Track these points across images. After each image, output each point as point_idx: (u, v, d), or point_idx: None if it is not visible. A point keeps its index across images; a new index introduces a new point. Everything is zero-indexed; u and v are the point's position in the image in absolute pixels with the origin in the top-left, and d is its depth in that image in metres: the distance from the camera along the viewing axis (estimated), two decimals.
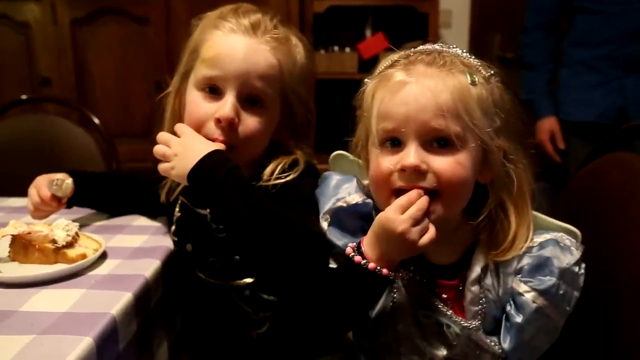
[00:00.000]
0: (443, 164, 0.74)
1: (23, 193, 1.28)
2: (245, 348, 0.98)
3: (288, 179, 0.90)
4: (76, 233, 0.89)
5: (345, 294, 0.77)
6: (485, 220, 0.80)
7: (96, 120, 1.74)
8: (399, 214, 0.72)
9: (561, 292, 0.78)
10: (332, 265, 0.84)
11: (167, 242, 1.00)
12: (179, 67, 0.96)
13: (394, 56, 0.82)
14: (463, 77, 0.75)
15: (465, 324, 0.80)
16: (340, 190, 0.85)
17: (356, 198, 0.83)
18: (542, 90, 2.00)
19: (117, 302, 0.74)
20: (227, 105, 0.87)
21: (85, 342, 0.63)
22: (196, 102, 0.90)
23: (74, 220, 0.92)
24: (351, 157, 0.93)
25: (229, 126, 0.87)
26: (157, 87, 2.40)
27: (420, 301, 0.81)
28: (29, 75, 2.44)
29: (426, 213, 0.73)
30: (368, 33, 2.59)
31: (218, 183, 0.81)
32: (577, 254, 0.79)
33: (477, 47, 2.70)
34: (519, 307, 0.79)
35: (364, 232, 0.79)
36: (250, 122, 0.89)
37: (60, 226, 0.88)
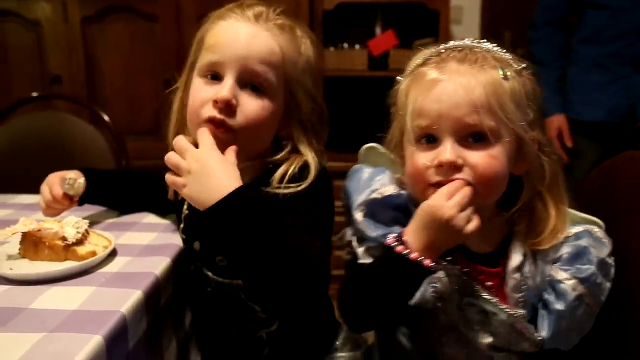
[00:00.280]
0: (478, 158, 0.75)
1: (34, 190, 1.29)
2: (255, 348, 0.97)
3: (299, 189, 0.87)
4: (86, 230, 0.89)
5: (383, 287, 0.77)
6: (519, 212, 0.82)
7: (106, 118, 1.74)
8: (445, 201, 0.73)
9: (598, 281, 0.80)
10: (366, 260, 0.84)
11: (177, 240, 0.99)
12: (187, 62, 0.96)
13: (426, 53, 0.84)
14: (495, 73, 0.77)
15: (512, 312, 0.81)
16: (374, 182, 0.86)
17: (390, 190, 0.84)
18: (551, 87, 1.98)
19: (127, 300, 0.73)
20: (225, 87, 0.85)
21: (95, 340, 0.63)
22: (197, 88, 0.89)
23: (84, 218, 0.92)
24: (382, 150, 0.94)
25: (226, 107, 0.85)
26: (166, 84, 2.37)
27: (464, 290, 0.81)
28: (40, 73, 2.46)
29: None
30: (378, 30, 2.57)
31: (239, 233, 0.77)
32: (609, 245, 0.82)
33: None
34: (559, 295, 0.80)
35: (398, 224, 0.82)
36: (250, 106, 0.86)
37: (70, 224, 0.88)
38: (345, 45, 2.59)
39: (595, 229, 0.83)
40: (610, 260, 0.81)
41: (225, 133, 0.85)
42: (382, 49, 2.50)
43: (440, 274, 0.81)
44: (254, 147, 0.91)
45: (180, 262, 0.96)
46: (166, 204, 1.04)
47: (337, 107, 2.75)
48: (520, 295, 0.82)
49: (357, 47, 2.57)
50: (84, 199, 1.06)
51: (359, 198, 0.85)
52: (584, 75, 1.95)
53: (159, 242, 0.98)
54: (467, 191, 0.74)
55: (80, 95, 2.36)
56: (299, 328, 0.97)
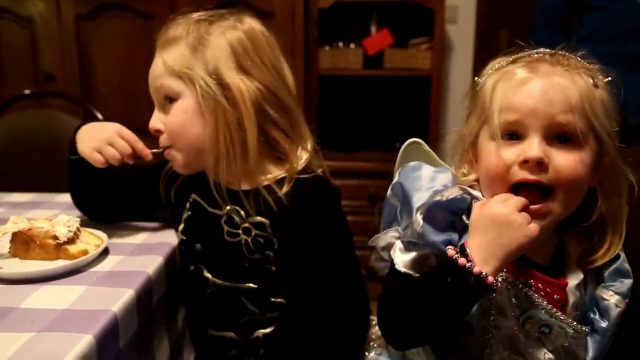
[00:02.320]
0: (565, 159, 0.73)
1: (26, 188, 1.29)
2: (251, 348, 0.97)
3: (316, 206, 0.92)
4: (77, 229, 0.89)
5: (437, 301, 0.71)
6: (571, 229, 0.80)
7: (100, 116, 1.73)
8: (501, 202, 0.70)
9: (630, 293, 0.80)
10: (408, 269, 0.78)
11: (169, 239, 0.99)
12: None
13: (513, 56, 0.81)
14: (587, 79, 0.76)
15: (577, 327, 0.77)
16: (436, 182, 0.82)
17: (454, 192, 0.78)
18: None
19: (119, 299, 0.73)
20: (152, 117, 0.95)
21: (86, 339, 0.63)
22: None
23: (75, 216, 0.92)
24: (426, 147, 0.92)
25: (158, 134, 0.94)
26: None
27: (525, 301, 0.76)
28: (33, 70, 2.44)
29: (527, 210, 0.71)
30: (373, 29, 2.57)
31: None
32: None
33: (483, 43, 2.68)
34: (602, 313, 0.79)
35: (454, 229, 0.77)
36: (170, 121, 0.92)
37: (61, 222, 0.87)
38: (340, 44, 2.58)
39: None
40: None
41: (168, 154, 0.94)
42: (377, 47, 2.50)
43: (500, 285, 0.74)
44: (192, 151, 0.92)
45: (173, 261, 0.95)
46: (157, 201, 1.02)
47: (332, 105, 2.75)
48: (576, 313, 0.79)
49: (352, 45, 2.56)
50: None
51: (420, 198, 0.79)
52: None
53: (152, 240, 0.97)
54: (523, 199, 0.71)
55: (74, 93, 2.35)
56: (296, 329, 0.97)
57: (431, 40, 2.49)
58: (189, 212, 0.98)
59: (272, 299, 0.95)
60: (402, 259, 0.78)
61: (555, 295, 0.78)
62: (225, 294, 0.95)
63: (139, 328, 0.78)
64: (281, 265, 0.93)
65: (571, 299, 0.79)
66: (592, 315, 0.80)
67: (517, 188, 0.74)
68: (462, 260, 0.68)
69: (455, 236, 0.77)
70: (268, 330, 0.96)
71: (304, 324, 0.97)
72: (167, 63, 0.92)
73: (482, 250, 0.69)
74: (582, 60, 0.79)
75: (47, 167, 1.65)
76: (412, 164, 0.86)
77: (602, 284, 0.80)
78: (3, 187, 1.32)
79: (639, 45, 1.87)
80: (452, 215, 0.78)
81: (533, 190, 0.73)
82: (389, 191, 0.86)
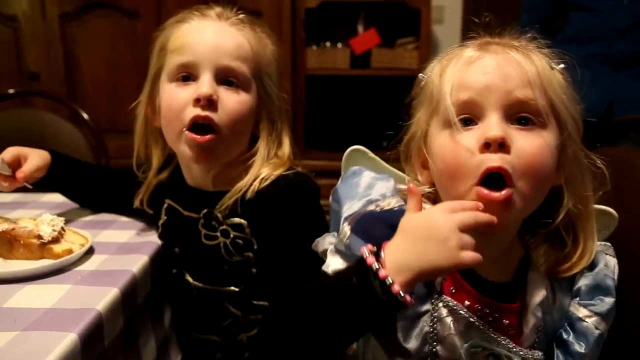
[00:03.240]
0: (527, 142, 0.63)
1: None
2: (235, 351, 0.97)
3: (292, 204, 0.90)
4: (62, 228, 0.88)
5: (340, 302, 0.62)
6: (537, 235, 0.72)
7: (85, 116, 1.72)
8: (447, 213, 0.60)
9: (613, 313, 0.71)
10: (338, 265, 0.69)
11: (155, 238, 0.98)
12: (148, 74, 0.95)
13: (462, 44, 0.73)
14: (542, 60, 0.68)
15: (527, 356, 0.69)
16: (373, 192, 0.71)
17: (392, 203, 0.69)
18: None
19: (103, 297, 0.73)
20: (204, 83, 0.85)
21: (70, 338, 0.62)
22: (171, 93, 0.88)
23: (59, 215, 0.91)
24: (371, 154, 0.83)
25: (209, 103, 0.84)
26: None
27: (471, 331, 0.67)
28: (17, 69, 2.42)
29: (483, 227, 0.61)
30: (360, 29, 2.58)
31: None
32: (617, 265, 0.73)
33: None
34: (579, 335, 0.71)
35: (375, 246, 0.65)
36: (229, 101, 0.87)
37: (45, 221, 0.87)
38: (328, 44, 2.59)
39: (608, 246, 0.74)
40: (616, 280, 0.72)
41: (209, 139, 0.85)
42: (364, 47, 2.51)
43: (442, 312, 0.67)
44: (236, 147, 0.91)
45: (158, 260, 0.95)
46: (132, 205, 1.02)
47: (319, 105, 2.76)
48: (537, 335, 0.70)
49: (339, 45, 2.57)
50: (44, 183, 1.03)
51: (351, 207, 0.70)
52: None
53: (137, 240, 0.97)
54: (481, 216, 0.60)
55: (59, 93, 2.33)
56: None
57: (418, 40, 2.50)
58: (165, 217, 0.97)
59: (255, 302, 0.94)
60: (332, 261, 0.70)
61: (505, 321, 0.69)
62: (207, 297, 0.95)
63: (124, 327, 0.78)
64: (262, 267, 0.92)
65: (531, 321, 0.70)
66: (565, 336, 0.72)
67: (484, 182, 0.64)
68: (370, 260, 0.60)
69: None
70: (252, 333, 0.95)
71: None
72: (254, 51, 0.90)
73: (399, 258, 0.59)
74: (537, 43, 0.71)
75: None
76: (354, 168, 0.78)
77: (578, 300, 0.71)
78: None
79: (626, 46, 1.88)
80: (389, 230, 0.65)
81: (497, 182, 0.64)
82: (330, 197, 0.77)
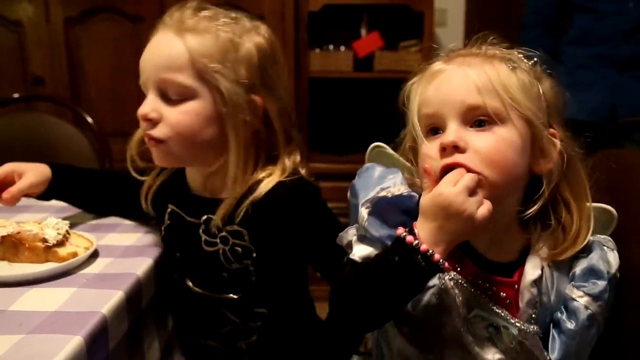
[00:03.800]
0: (482, 140, 0.72)
1: None
2: (234, 358, 0.97)
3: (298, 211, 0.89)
4: (67, 231, 0.89)
5: (387, 281, 0.71)
6: (537, 218, 0.78)
7: (89, 119, 1.72)
8: (451, 186, 0.68)
9: (607, 296, 0.77)
10: (364, 251, 0.77)
11: (159, 241, 0.99)
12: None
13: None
14: (502, 65, 0.75)
15: (523, 327, 0.76)
16: (385, 181, 0.81)
17: (401, 189, 0.78)
18: None
19: (108, 300, 0.73)
20: (142, 106, 0.87)
21: (75, 341, 0.63)
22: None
23: (64, 219, 0.91)
24: (390, 150, 0.92)
25: (148, 121, 0.87)
26: None
27: (472, 301, 0.76)
28: (21, 74, 2.42)
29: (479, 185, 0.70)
30: (363, 32, 2.58)
31: None
32: (617, 258, 0.79)
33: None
34: (570, 313, 0.77)
35: (405, 227, 0.74)
36: (170, 114, 0.86)
37: (50, 225, 0.87)
38: (331, 47, 2.59)
39: (607, 239, 0.80)
40: (617, 274, 0.78)
41: (157, 144, 0.87)
42: (367, 50, 2.51)
43: (448, 284, 0.76)
44: (197, 153, 0.89)
45: (163, 265, 0.95)
46: (138, 208, 1.02)
47: (322, 108, 2.76)
48: (534, 311, 0.77)
49: (342, 48, 2.57)
50: (48, 194, 1.03)
51: (366, 195, 0.79)
52: (569, 75, 1.97)
53: (141, 243, 0.97)
54: (472, 176, 0.70)
55: (63, 97, 2.33)
56: (278, 340, 0.97)
57: (421, 43, 2.50)
58: (168, 222, 0.97)
59: (254, 309, 0.94)
60: (357, 249, 0.78)
61: (502, 293, 0.77)
62: (206, 303, 0.95)
63: (128, 329, 0.78)
64: (261, 275, 0.92)
65: (526, 296, 0.77)
66: (559, 315, 0.78)
67: (447, 172, 0.72)
68: (409, 239, 0.69)
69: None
70: (250, 340, 0.95)
71: (287, 334, 0.97)
72: (193, 54, 0.85)
73: (430, 234, 0.69)
74: (502, 50, 0.79)
75: None
76: (367, 165, 0.87)
77: (573, 283, 0.78)
78: None
79: (630, 49, 1.88)
80: (403, 215, 0.77)
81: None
82: (349, 192, 0.86)
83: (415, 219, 0.75)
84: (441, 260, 0.68)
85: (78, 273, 0.83)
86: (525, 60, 0.78)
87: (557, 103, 0.79)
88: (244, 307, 0.93)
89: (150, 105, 0.87)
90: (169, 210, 0.97)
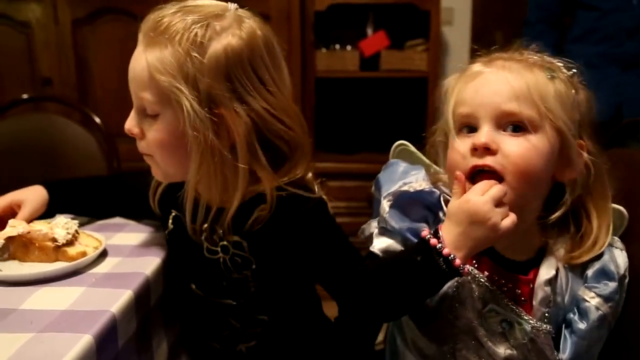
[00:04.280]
0: (513, 145, 0.74)
1: None
2: (236, 359, 0.97)
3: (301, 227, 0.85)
4: (76, 231, 0.89)
5: (408, 278, 0.74)
6: (558, 223, 0.80)
7: (97, 120, 1.74)
8: (479, 195, 0.71)
9: (617, 297, 0.79)
10: (384, 244, 0.81)
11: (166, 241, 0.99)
12: None
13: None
14: (541, 73, 0.77)
15: (536, 325, 0.78)
16: (408, 176, 0.84)
17: (423, 185, 0.81)
18: None
19: (117, 299, 0.73)
20: (128, 119, 0.86)
21: (85, 339, 0.63)
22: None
23: (73, 219, 0.92)
24: (413, 148, 0.94)
25: (135, 137, 0.86)
26: None
27: (488, 296, 0.79)
28: (30, 75, 2.45)
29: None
30: (369, 31, 2.58)
31: None
32: (626, 258, 0.81)
33: (479, 44, 2.69)
34: (582, 314, 0.79)
35: (426, 222, 0.80)
36: (149, 133, 0.84)
37: (60, 224, 0.88)
38: (337, 46, 2.59)
39: (616, 240, 0.82)
40: (627, 274, 0.80)
41: (147, 158, 0.88)
42: (374, 49, 2.51)
43: (465, 278, 0.78)
44: (175, 167, 0.86)
45: (168, 267, 0.95)
46: (142, 208, 1.01)
47: (329, 108, 2.76)
48: (547, 310, 0.79)
49: (349, 47, 2.57)
50: (51, 212, 1.01)
51: (389, 188, 0.83)
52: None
53: (149, 242, 0.98)
54: (501, 187, 0.72)
55: (71, 97, 2.35)
56: (280, 343, 0.96)
57: (427, 42, 2.50)
58: (172, 227, 0.97)
59: (255, 316, 0.93)
60: (377, 242, 0.81)
61: (517, 290, 0.79)
62: (208, 306, 0.95)
63: (137, 328, 0.79)
64: (260, 285, 0.90)
65: (540, 295, 0.79)
66: (571, 316, 0.80)
67: (474, 179, 0.75)
68: (433, 241, 0.72)
69: (424, 227, 0.80)
70: (250, 344, 0.95)
71: (290, 337, 0.97)
72: (152, 72, 0.79)
73: (454, 239, 0.71)
74: (543, 57, 0.80)
75: (45, 170, 1.66)
76: (391, 160, 0.91)
77: (585, 284, 0.80)
78: (1, 190, 1.32)
79: (634, 46, 1.87)
80: (425, 210, 0.81)
81: (487, 178, 0.74)
82: (373, 186, 0.89)
83: (435, 214, 0.80)
84: (461, 265, 0.71)
85: (87, 272, 0.84)
86: (564, 70, 0.79)
87: (590, 115, 0.80)
88: (244, 313, 0.93)
89: (131, 121, 0.86)
90: (172, 214, 0.97)
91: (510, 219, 0.71)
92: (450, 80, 0.83)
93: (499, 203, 0.71)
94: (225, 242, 0.89)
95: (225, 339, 0.96)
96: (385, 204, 0.81)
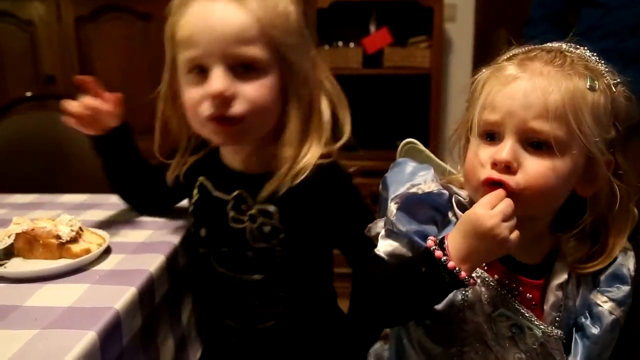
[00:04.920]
0: (535, 166, 0.70)
1: (28, 190, 1.30)
2: (251, 339, 0.97)
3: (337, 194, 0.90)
4: (80, 228, 0.89)
5: (411, 288, 0.73)
6: (573, 232, 0.77)
7: None
8: (488, 209, 0.68)
9: (630, 301, 0.78)
10: (389, 247, 0.79)
11: (171, 238, 0.99)
12: (165, 60, 0.91)
13: (515, 50, 0.79)
14: (581, 81, 0.71)
15: (547, 330, 0.76)
16: (416, 177, 0.82)
17: (432, 186, 0.79)
18: None
19: (121, 296, 0.74)
20: (215, 80, 0.81)
21: (89, 336, 0.63)
22: (187, 89, 0.85)
23: (77, 216, 0.92)
24: (421, 146, 0.92)
25: (223, 100, 0.81)
26: None
27: (498, 300, 0.77)
28: (33, 73, 2.45)
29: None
30: (372, 28, 2.58)
31: None
32: (634, 259, 0.79)
33: (482, 41, 2.69)
34: (595, 319, 0.78)
35: (434, 223, 0.79)
36: (247, 90, 0.82)
37: (64, 221, 0.88)
38: (340, 43, 2.59)
39: (625, 242, 0.79)
40: (635, 274, 0.79)
41: (231, 125, 0.83)
42: (377, 46, 2.51)
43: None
44: (264, 127, 0.87)
45: (175, 259, 0.96)
46: (166, 192, 1.01)
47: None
48: (558, 314, 0.78)
49: (352, 45, 2.57)
50: (113, 138, 1.01)
51: (397, 190, 0.80)
52: None
53: (154, 239, 0.98)
54: (510, 202, 0.69)
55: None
56: (296, 327, 0.97)
57: (430, 39, 2.49)
58: (198, 195, 0.96)
59: (275, 293, 0.94)
60: (382, 244, 0.80)
61: (528, 294, 0.77)
62: (228, 283, 0.94)
63: (142, 325, 0.79)
64: (286, 257, 0.91)
65: (551, 299, 0.77)
66: (583, 320, 0.79)
67: (493, 184, 0.73)
68: (438, 253, 0.70)
69: (432, 229, 0.78)
70: (268, 324, 0.96)
71: (306, 321, 0.97)
72: (263, 26, 0.81)
73: (460, 251, 0.69)
74: (587, 58, 0.76)
75: (49, 168, 1.66)
76: (400, 159, 0.88)
77: (598, 288, 0.79)
78: (5, 188, 1.33)
79: (637, 42, 1.87)
80: (433, 211, 0.79)
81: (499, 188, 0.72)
82: (380, 185, 0.88)
83: (444, 214, 0.78)
84: (466, 278, 0.69)
85: (91, 269, 0.84)
86: (607, 77, 0.75)
87: (627, 125, 0.76)
88: (265, 290, 0.93)
89: (223, 81, 0.81)
90: (198, 183, 0.96)
91: (515, 234, 0.69)
92: (483, 76, 0.78)
93: (507, 217, 0.68)
94: (253, 211, 0.89)
95: (243, 318, 0.96)
96: (392, 207, 0.79)
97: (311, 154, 0.87)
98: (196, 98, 0.84)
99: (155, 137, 0.97)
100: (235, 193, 0.91)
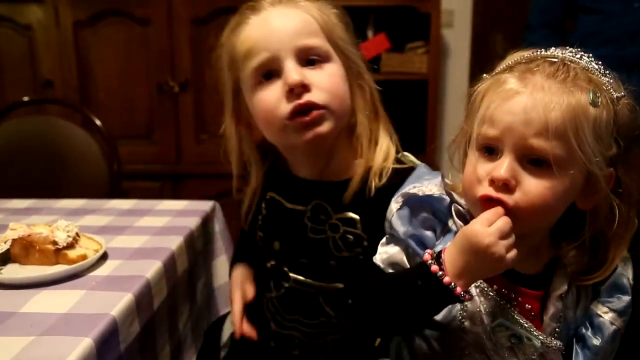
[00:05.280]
0: (534, 185, 0.69)
1: (25, 194, 1.30)
2: (315, 351, 0.96)
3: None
4: (77, 234, 0.89)
5: (407, 300, 0.73)
6: (574, 244, 0.77)
7: (98, 122, 1.74)
8: (485, 227, 0.67)
9: (630, 311, 0.78)
10: (385, 255, 0.79)
11: (168, 244, 0.99)
12: (224, 95, 0.94)
13: (517, 57, 0.76)
14: (583, 96, 0.69)
15: (546, 341, 0.76)
16: (422, 180, 0.82)
17: (433, 189, 0.78)
18: None
19: (118, 303, 0.74)
20: (291, 71, 0.83)
21: (85, 343, 0.63)
22: (261, 96, 0.86)
23: (74, 221, 0.92)
24: (411, 157, 0.94)
25: (302, 89, 0.83)
26: (159, 88, 2.40)
27: (497, 311, 0.76)
28: (31, 77, 2.45)
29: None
30: (370, 33, 2.58)
31: None
32: (631, 267, 0.79)
33: (479, 47, 2.69)
34: (596, 330, 0.78)
35: (432, 230, 0.78)
36: (320, 78, 0.85)
37: (60, 227, 0.88)
38: None
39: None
40: (632, 283, 0.79)
41: (317, 114, 0.84)
42: (374, 52, 2.51)
43: (473, 292, 0.76)
44: (343, 120, 0.89)
45: (172, 266, 0.96)
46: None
47: None
48: (558, 325, 0.77)
49: None
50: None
51: (400, 190, 0.81)
52: None
53: (150, 245, 0.98)
54: (507, 220, 0.68)
55: (72, 100, 2.36)
56: (363, 341, 0.95)
57: (427, 45, 2.50)
58: (265, 212, 0.96)
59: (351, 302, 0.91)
60: (379, 252, 0.80)
61: (527, 305, 0.77)
62: (303, 291, 0.93)
63: (140, 332, 0.79)
64: (369, 264, 0.87)
65: (551, 310, 0.77)
66: (584, 331, 0.79)
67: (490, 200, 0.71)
68: (434, 268, 0.69)
69: (428, 235, 0.78)
70: (338, 336, 0.93)
71: (369, 337, 0.95)
72: (319, 20, 0.87)
73: (456, 266, 0.69)
74: (591, 69, 0.73)
75: (46, 173, 1.66)
76: (418, 164, 0.90)
77: (598, 299, 0.78)
78: (2, 193, 1.33)
79: (636, 50, 1.87)
80: (431, 216, 0.79)
81: (496, 205, 0.71)
82: None
83: (444, 222, 0.78)
84: (462, 293, 0.68)
85: (88, 275, 0.84)
86: (611, 91, 0.72)
87: (629, 144, 0.73)
88: (343, 300, 0.91)
89: (298, 71, 0.84)
90: (267, 198, 0.96)
91: (513, 252, 0.68)
92: (482, 87, 0.76)
93: (504, 235, 0.67)
94: (334, 221, 0.89)
95: (313, 328, 0.94)
96: (392, 206, 0.79)
97: (386, 150, 0.90)
98: (272, 101, 0.85)
99: (234, 173, 0.98)
100: (313, 203, 0.90)
